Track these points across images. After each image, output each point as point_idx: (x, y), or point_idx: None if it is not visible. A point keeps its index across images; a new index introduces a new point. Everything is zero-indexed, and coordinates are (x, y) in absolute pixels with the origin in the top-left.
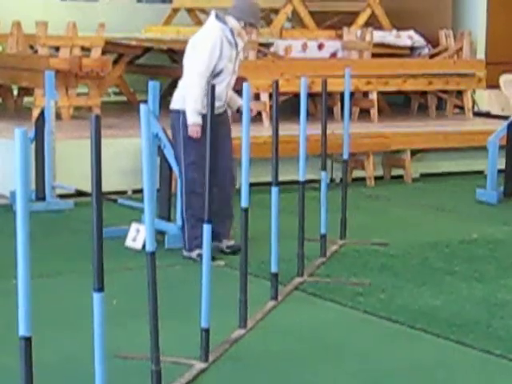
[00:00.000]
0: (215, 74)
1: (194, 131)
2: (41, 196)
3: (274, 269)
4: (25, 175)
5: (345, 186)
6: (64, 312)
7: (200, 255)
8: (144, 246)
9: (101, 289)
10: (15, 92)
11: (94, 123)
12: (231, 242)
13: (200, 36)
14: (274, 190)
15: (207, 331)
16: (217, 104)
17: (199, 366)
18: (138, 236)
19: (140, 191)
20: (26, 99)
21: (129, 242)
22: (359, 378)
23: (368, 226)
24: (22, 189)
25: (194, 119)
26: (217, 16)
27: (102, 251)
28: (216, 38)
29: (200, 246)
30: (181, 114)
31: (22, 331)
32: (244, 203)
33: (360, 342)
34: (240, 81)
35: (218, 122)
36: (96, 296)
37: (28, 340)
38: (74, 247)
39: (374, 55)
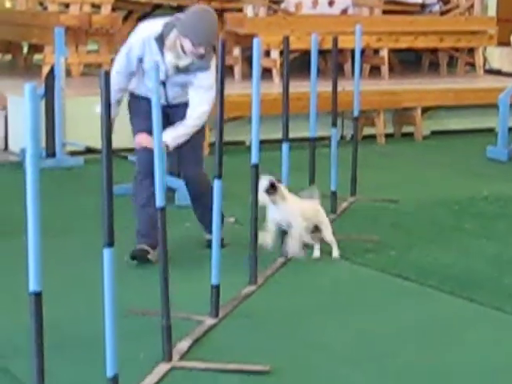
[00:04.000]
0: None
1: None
2: (51, 153)
3: None
4: (35, 131)
5: (355, 142)
6: (74, 269)
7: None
8: None
9: (111, 244)
10: (25, 49)
11: (104, 79)
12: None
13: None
14: (285, 146)
15: (217, 287)
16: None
17: (209, 321)
18: None
19: None
20: (36, 56)
21: None
22: (368, 335)
23: (378, 184)
24: (32, 145)
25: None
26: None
27: (112, 205)
28: (138, 39)
29: None
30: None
31: (33, 287)
32: (254, 160)
33: (370, 299)
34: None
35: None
36: (106, 251)
37: (38, 295)
38: (84, 204)
39: (384, 12)
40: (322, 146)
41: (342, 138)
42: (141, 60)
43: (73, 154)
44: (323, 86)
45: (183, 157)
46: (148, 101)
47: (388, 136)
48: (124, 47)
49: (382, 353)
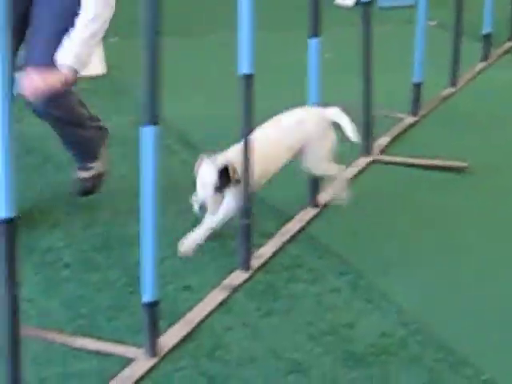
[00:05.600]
0: None
1: None
2: None
3: (486, 30)
4: None
5: None
6: (283, 58)
7: None
8: (356, 3)
9: (316, 35)
10: None
11: None
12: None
13: None
14: None
15: (418, 86)
16: None
17: (408, 120)
18: None
19: None
20: None
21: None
22: None
23: None
24: None
25: None
26: None
27: None
28: None
29: None
30: None
31: (244, 69)
32: None
33: None
34: None
35: None
36: (312, 42)
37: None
38: None
39: None
40: None
41: None
42: None
43: None
44: None
45: (36, 30)
46: None
47: None
48: None
49: None
